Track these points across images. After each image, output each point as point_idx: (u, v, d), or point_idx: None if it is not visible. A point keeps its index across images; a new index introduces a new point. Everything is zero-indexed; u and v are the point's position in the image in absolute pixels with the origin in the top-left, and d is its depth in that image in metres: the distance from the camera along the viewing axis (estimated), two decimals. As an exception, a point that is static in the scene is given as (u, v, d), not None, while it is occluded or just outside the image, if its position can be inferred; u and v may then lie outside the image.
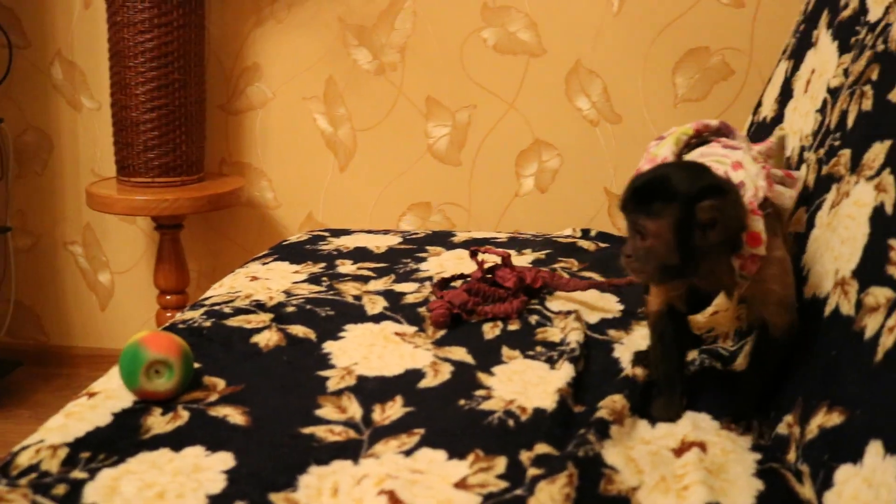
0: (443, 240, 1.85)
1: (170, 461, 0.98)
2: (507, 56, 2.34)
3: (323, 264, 1.66)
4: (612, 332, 1.37)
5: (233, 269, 1.67)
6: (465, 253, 1.72)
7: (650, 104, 2.28)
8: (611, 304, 1.49)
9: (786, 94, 1.58)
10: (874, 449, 0.85)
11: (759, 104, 1.74)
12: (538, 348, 1.30)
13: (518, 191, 2.39)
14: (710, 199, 0.97)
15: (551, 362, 1.25)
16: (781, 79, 1.64)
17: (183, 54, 2.22)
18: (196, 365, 1.18)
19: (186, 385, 1.13)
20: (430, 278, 1.58)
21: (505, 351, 1.29)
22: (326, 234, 1.92)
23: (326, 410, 1.10)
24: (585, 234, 1.91)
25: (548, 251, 1.74)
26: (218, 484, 0.94)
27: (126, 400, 1.11)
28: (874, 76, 1.20)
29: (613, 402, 1.10)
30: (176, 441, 1.02)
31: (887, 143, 1.09)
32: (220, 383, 1.16)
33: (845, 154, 1.20)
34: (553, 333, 1.35)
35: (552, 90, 2.34)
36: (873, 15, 1.30)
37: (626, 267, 1.04)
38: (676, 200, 0.98)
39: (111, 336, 2.72)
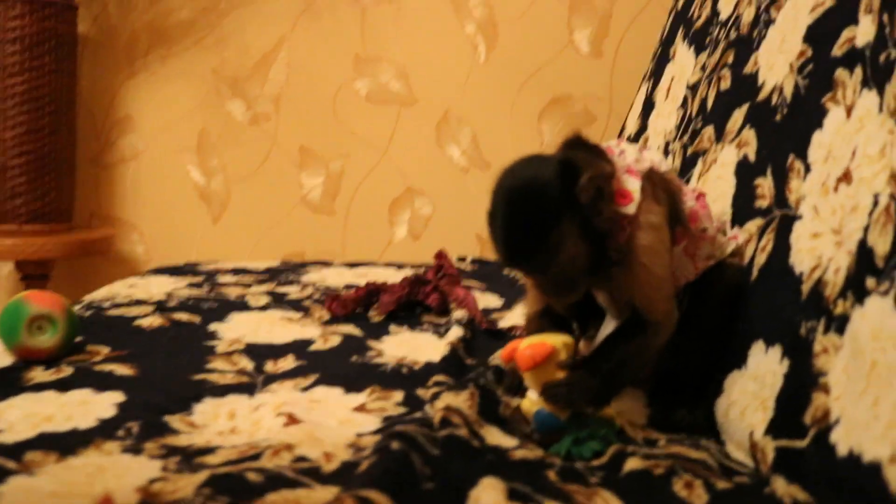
0: (321, 265, 1.86)
1: (56, 399, 0.95)
2: (379, 106, 2.41)
3: (202, 277, 1.65)
4: (495, 315, 1.40)
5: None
6: (346, 270, 1.74)
7: (518, 151, 2.34)
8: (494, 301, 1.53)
9: (647, 108, 1.68)
10: (758, 348, 0.90)
11: (622, 128, 1.85)
12: (425, 325, 1.33)
13: (391, 239, 2.43)
14: (580, 175, 0.85)
15: (439, 333, 1.27)
16: (643, 98, 1.74)
17: (54, 100, 2.20)
18: (77, 339, 1.15)
19: (70, 345, 1.10)
20: (313, 285, 1.59)
21: (392, 328, 1.31)
22: (202, 262, 1.90)
23: (217, 363, 1.10)
24: (461, 260, 1.95)
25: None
26: (109, 411, 0.91)
27: (4, 360, 1.08)
28: (730, 59, 1.30)
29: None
30: (61, 386, 0.99)
31: (745, 106, 1.18)
32: (105, 349, 1.14)
33: (708, 130, 1.29)
34: (439, 319, 1.37)
35: (423, 138, 2.40)
36: (724, 14, 1.42)
37: (551, 297, 0.92)
38: (556, 212, 0.84)
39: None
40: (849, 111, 0.89)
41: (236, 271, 1.72)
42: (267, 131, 2.43)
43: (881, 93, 0.83)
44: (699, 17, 1.55)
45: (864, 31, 0.91)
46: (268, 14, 2.41)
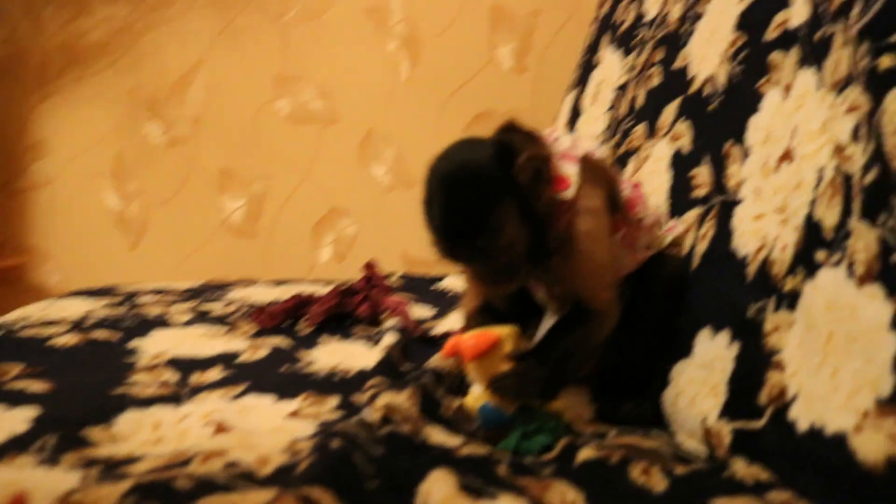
0: (246, 283, 1.80)
1: (-36, 416, 0.89)
2: (300, 125, 2.36)
3: (121, 297, 1.58)
4: (428, 324, 1.37)
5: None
6: (271, 288, 1.69)
7: (443, 169, 2.34)
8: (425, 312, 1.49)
9: (574, 115, 1.67)
10: (704, 335, 0.88)
11: (549, 138, 1.83)
12: (356, 335, 1.28)
13: (316, 261, 2.38)
14: (517, 155, 0.84)
15: (372, 342, 1.23)
16: (569, 107, 1.73)
17: (-40, 122, 2.12)
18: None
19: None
20: (238, 301, 1.53)
21: (322, 338, 1.26)
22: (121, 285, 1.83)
23: (139, 377, 1.04)
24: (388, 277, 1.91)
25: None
26: (22, 426, 0.85)
27: None
28: (659, 57, 1.29)
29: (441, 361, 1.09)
30: (-30, 404, 0.92)
31: (677, 100, 1.17)
32: (17, 367, 1.07)
33: (639, 128, 1.28)
34: (370, 329, 1.33)
35: (347, 158, 2.36)
36: (650, 15, 1.41)
37: (490, 286, 0.88)
38: (495, 194, 0.82)
39: None
40: (786, 91, 0.88)
41: (157, 291, 1.65)
42: (185, 154, 2.36)
43: (819, 69, 0.82)
44: (624, 21, 1.55)
45: (797, 13, 0.91)
46: (185, 34, 2.35)
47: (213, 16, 2.35)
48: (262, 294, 1.61)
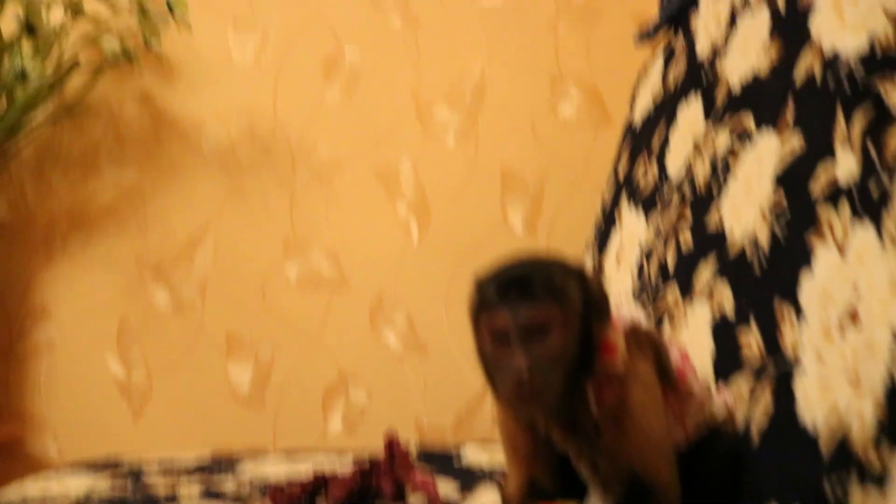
0: (255, 455, 1.72)
1: None
2: (310, 290, 2.32)
3: (125, 472, 1.50)
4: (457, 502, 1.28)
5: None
6: (283, 460, 1.61)
7: (455, 333, 2.28)
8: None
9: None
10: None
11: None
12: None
13: (326, 431, 2.29)
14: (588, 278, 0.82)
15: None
16: (589, 268, 1.69)
17: (-37, 288, 2.07)
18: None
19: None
20: (251, 479, 1.45)
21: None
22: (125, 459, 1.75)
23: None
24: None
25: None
26: None
27: None
28: (688, 216, 1.25)
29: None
30: None
31: (712, 260, 1.12)
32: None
33: (672, 290, 1.23)
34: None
35: (356, 324, 2.31)
36: (674, 174, 1.39)
37: (522, 390, 0.79)
38: (571, 277, 0.81)
39: None
40: (841, 249, 0.83)
41: (164, 467, 1.57)
42: (192, 319, 2.31)
43: (878, 223, 0.78)
44: (643, 180, 1.52)
45: (845, 166, 0.87)
46: (193, 197, 2.33)
47: (221, 179, 2.34)
48: (275, 468, 1.52)
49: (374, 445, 1.67)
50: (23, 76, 2.01)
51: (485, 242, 2.31)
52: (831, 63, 0.97)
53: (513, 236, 2.32)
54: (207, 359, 2.30)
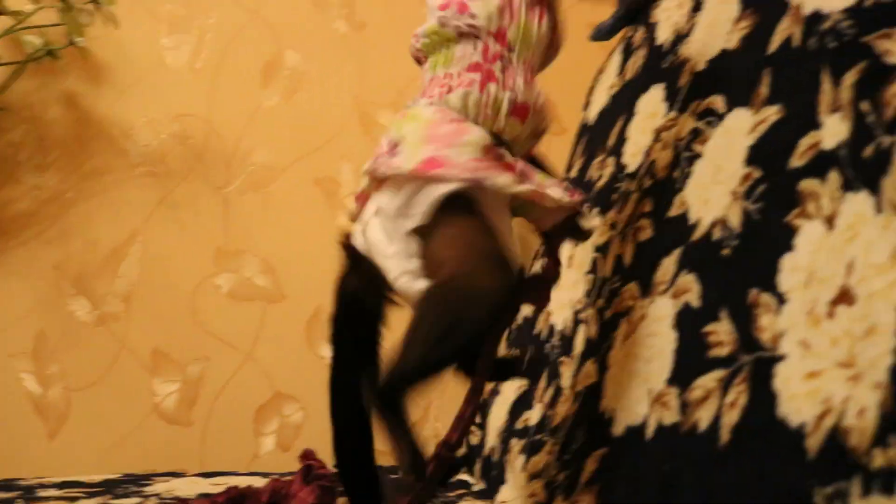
0: (170, 475, 1.58)
1: None
2: (242, 303, 2.19)
3: (16, 493, 1.35)
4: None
5: None
6: (200, 480, 1.48)
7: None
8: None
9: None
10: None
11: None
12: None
13: (258, 451, 2.15)
14: None
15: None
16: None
17: None
18: None
19: None
20: (158, 496, 1.31)
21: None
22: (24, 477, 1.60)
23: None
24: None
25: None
26: None
27: None
28: (648, 208, 1.15)
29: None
30: None
31: (674, 252, 1.02)
32: None
33: (630, 287, 1.13)
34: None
35: (292, 338, 2.18)
36: (632, 166, 1.29)
37: None
38: None
39: None
40: (829, 222, 0.73)
41: (64, 485, 1.42)
42: (115, 333, 2.16)
43: (875, 190, 0.68)
44: (600, 176, 1.42)
45: (831, 132, 0.77)
46: (120, 205, 2.19)
47: (151, 185, 2.21)
48: (188, 487, 1.39)
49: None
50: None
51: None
52: (812, 23, 0.88)
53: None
54: (131, 375, 2.15)
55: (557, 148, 2.14)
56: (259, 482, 1.31)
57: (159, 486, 1.40)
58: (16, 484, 1.44)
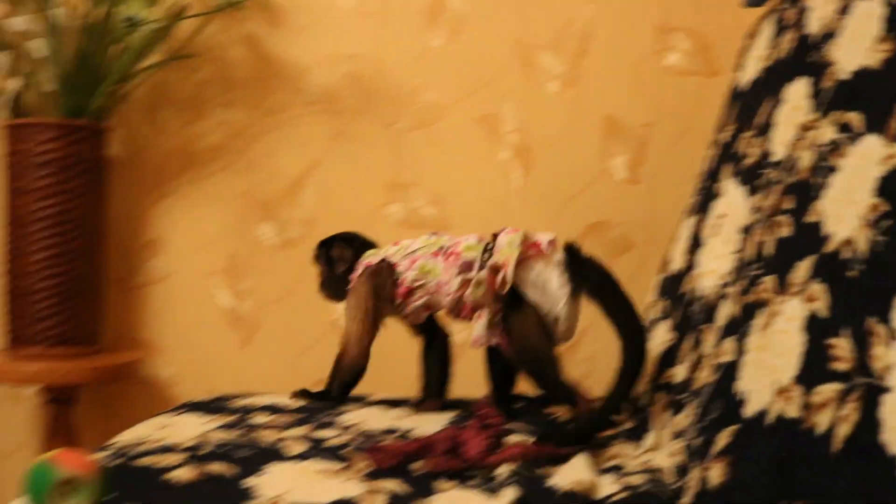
0: (357, 402, 1.80)
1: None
2: (412, 230, 2.37)
3: (235, 416, 1.59)
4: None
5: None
6: (385, 410, 1.68)
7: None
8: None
9: (695, 244, 1.63)
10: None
11: (667, 261, 1.79)
12: (473, 482, 1.26)
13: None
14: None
15: (491, 490, 1.20)
16: (688, 233, 1.69)
17: (83, 223, 2.18)
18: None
19: (103, 509, 1.04)
20: (352, 428, 1.52)
21: (439, 484, 1.24)
22: (234, 395, 1.85)
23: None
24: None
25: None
26: None
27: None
28: (789, 205, 1.24)
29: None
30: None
31: (810, 257, 1.12)
32: (138, 512, 1.08)
33: (768, 280, 1.23)
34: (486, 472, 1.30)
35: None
36: (777, 156, 1.37)
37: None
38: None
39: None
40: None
41: (270, 409, 1.66)
42: (297, 255, 2.40)
43: None
44: (747, 154, 1.51)
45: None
46: (298, 139, 2.40)
47: (326, 121, 2.40)
48: (376, 419, 1.60)
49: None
50: (135, 23, 2.08)
51: (585, 189, 2.33)
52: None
53: (614, 183, 2.33)
54: (312, 293, 2.38)
55: (710, 91, 2.22)
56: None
57: (350, 418, 1.61)
58: (229, 404, 1.68)
